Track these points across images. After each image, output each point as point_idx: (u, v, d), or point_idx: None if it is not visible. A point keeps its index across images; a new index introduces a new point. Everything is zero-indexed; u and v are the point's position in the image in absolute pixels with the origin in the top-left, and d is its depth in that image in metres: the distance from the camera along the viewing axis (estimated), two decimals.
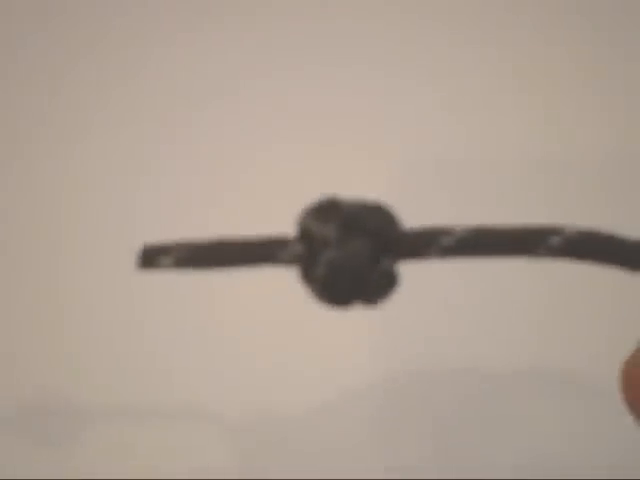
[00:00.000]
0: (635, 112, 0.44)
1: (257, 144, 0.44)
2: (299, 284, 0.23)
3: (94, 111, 0.46)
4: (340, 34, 0.47)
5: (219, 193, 0.43)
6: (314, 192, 0.23)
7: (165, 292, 0.41)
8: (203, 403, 0.38)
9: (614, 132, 0.44)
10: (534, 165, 0.43)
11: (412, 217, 0.23)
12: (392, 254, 0.21)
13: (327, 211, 0.21)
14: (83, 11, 0.48)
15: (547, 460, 0.38)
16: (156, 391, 0.39)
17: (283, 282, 0.39)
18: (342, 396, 0.39)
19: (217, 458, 0.38)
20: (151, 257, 0.21)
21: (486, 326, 0.40)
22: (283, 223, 0.23)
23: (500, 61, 0.46)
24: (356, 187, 0.25)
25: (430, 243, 0.21)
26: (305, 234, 0.21)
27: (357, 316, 0.39)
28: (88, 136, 0.45)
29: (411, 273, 0.23)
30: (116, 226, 0.42)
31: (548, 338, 0.40)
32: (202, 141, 0.44)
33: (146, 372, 0.39)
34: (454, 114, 0.45)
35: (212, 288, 0.40)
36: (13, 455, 0.39)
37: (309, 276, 0.21)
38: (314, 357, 0.39)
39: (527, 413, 0.39)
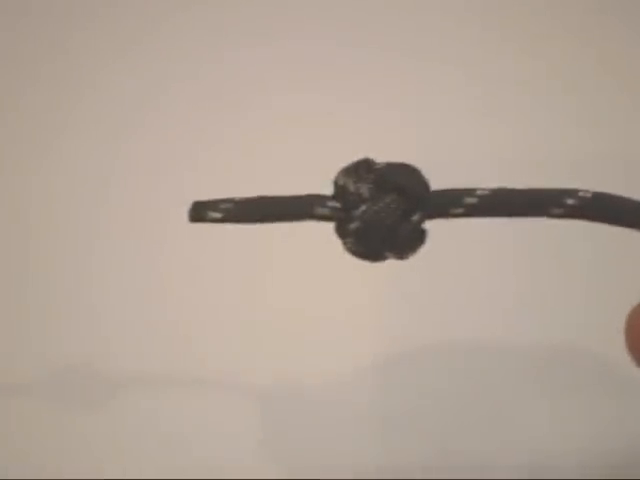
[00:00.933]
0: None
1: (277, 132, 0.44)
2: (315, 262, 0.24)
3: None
4: (355, 25, 0.47)
5: (252, 162, 0.44)
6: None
7: (193, 266, 0.42)
8: (230, 372, 0.39)
9: (619, 132, 0.44)
10: (541, 164, 0.43)
11: None
12: (421, 211, 0.23)
13: (361, 170, 0.23)
14: (70, 8, 0.48)
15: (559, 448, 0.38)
16: (184, 360, 0.40)
17: (301, 261, 0.40)
18: (357, 366, 0.40)
19: (244, 426, 0.38)
20: (201, 211, 0.23)
21: (495, 303, 0.40)
22: None
23: (510, 62, 0.46)
24: None
25: (456, 202, 0.23)
26: (341, 191, 0.23)
27: (373, 288, 0.40)
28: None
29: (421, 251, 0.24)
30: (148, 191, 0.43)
31: (563, 317, 0.40)
32: (236, 114, 0.45)
33: (174, 341, 0.40)
34: (463, 114, 0.45)
35: (239, 265, 0.41)
36: (45, 421, 0.39)
37: (344, 230, 0.23)
38: (332, 327, 0.40)
39: (535, 390, 0.39)
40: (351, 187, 0.23)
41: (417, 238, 0.23)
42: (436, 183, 0.24)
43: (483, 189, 0.23)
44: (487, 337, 0.40)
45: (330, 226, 0.24)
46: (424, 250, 0.24)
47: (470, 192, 0.23)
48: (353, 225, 0.23)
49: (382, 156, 0.24)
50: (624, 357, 0.26)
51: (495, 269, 0.41)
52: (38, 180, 0.44)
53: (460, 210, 0.23)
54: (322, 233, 0.24)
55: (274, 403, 0.39)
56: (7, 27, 0.48)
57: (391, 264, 0.24)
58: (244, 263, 0.42)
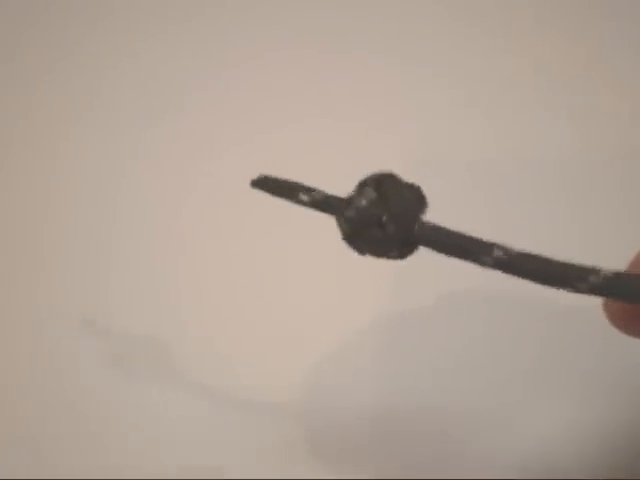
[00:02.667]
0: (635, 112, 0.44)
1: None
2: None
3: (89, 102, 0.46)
4: (350, 26, 0.47)
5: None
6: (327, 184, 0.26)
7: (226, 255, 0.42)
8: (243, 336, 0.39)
9: (618, 131, 0.44)
10: (539, 164, 0.43)
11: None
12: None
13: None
14: (72, 9, 0.48)
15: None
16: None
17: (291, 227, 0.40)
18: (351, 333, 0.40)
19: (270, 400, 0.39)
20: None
21: None
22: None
23: (509, 59, 0.46)
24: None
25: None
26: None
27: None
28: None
29: None
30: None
31: None
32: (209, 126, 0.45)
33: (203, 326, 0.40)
34: (460, 112, 0.45)
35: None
36: (96, 391, 0.39)
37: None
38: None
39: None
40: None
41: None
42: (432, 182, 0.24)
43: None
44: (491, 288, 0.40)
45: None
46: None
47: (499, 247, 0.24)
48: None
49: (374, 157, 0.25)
50: None
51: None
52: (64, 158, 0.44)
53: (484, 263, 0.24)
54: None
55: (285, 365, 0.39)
56: (29, 26, 0.48)
57: None
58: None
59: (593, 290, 0.24)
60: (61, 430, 0.39)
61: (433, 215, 0.26)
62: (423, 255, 0.26)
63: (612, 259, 0.40)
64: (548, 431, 0.38)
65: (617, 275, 0.24)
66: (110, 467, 0.38)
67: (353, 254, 0.27)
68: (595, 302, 0.39)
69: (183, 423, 0.38)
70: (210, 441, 0.38)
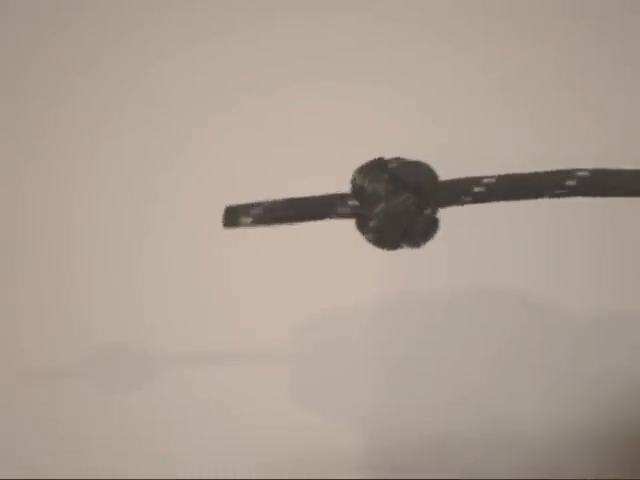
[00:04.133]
0: (631, 113, 0.45)
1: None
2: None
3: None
4: (335, 33, 0.47)
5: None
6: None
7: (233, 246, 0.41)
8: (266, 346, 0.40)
9: (609, 132, 0.44)
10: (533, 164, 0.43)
11: None
12: (433, 205, 0.25)
13: (376, 170, 0.25)
14: (91, 19, 0.48)
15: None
16: (225, 337, 0.40)
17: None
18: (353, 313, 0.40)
19: (279, 400, 0.39)
20: (234, 217, 0.25)
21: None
22: None
23: (496, 61, 0.46)
24: None
25: (465, 191, 0.25)
26: (359, 191, 0.25)
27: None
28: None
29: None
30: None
31: None
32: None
33: (216, 319, 0.40)
34: (449, 114, 0.45)
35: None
36: (84, 400, 0.39)
37: (364, 227, 0.25)
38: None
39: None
40: (368, 187, 0.25)
41: (431, 228, 0.25)
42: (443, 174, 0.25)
43: (489, 177, 0.25)
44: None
45: None
46: None
47: (477, 181, 0.25)
48: (372, 223, 0.25)
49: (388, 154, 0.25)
50: None
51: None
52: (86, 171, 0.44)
53: (469, 198, 0.25)
54: None
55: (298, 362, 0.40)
56: (50, 33, 0.47)
57: None
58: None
59: (573, 192, 0.25)
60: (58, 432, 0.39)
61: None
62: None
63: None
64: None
65: (593, 172, 0.25)
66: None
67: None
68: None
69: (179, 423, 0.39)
70: (206, 439, 0.38)
